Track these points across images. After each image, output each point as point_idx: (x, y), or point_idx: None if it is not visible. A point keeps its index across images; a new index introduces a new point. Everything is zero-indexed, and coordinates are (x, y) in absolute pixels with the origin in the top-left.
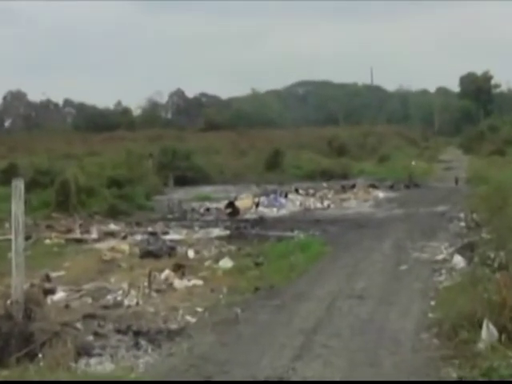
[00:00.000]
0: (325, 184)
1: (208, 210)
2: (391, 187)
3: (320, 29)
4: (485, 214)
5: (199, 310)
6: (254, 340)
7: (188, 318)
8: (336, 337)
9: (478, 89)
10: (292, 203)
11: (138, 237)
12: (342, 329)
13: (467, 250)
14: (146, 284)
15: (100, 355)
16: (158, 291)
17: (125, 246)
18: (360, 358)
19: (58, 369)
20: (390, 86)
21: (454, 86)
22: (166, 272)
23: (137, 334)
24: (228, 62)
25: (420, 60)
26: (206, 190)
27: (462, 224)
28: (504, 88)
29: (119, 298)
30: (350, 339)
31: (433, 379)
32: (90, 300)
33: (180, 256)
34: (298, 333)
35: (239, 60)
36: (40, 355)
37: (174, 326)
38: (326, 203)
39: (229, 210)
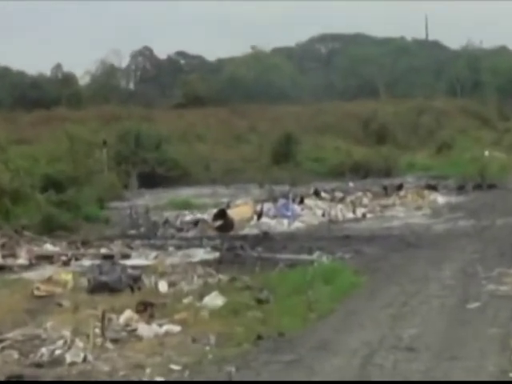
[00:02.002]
0: (358, 184)
1: (188, 222)
2: (456, 189)
3: None
4: None
5: (175, 368)
6: None
7: (159, 379)
8: None
9: None
10: (310, 212)
11: (87, 262)
12: None
13: None
14: (97, 331)
15: None
16: (115, 341)
17: (67, 276)
18: None
19: None
20: (453, 41)
21: None
22: (127, 313)
23: None
24: (217, 8)
25: (495, 3)
26: (186, 193)
27: None
28: None
29: (58, 352)
30: None
31: None
32: (15, 354)
33: (147, 290)
34: None
35: (233, 4)
36: None
37: None
38: (360, 212)
39: (219, 223)
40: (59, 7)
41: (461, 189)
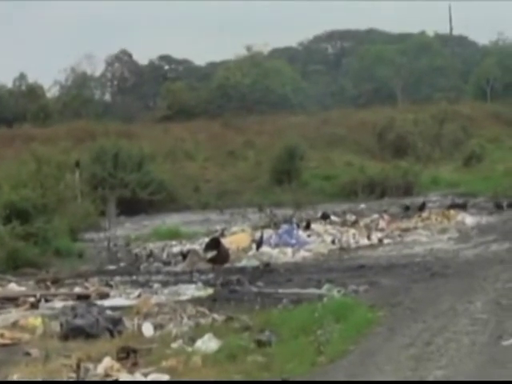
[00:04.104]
0: (373, 205)
1: (176, 254)
2: (491, 207)
3: None
4: None
5: None
6: None
7: None
8: None
9: None
10: (318, 239)
11: (58, 304)
12: None
13: None
14: None
15: None
16: None
17: (35, 321)
18: None
19: None
20: (482, 36)
21: None
22: (106, 362)
23: None
24: (207, 5)
25: None
26: (173, 220)
27: None
28: None
29: None
30: None
31: None
32: None
33: (129, 334)
34: None
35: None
36: None
37: None
38: (375, 237)
39: (211, 254)
40: (20, 6)
41: (495, 207)
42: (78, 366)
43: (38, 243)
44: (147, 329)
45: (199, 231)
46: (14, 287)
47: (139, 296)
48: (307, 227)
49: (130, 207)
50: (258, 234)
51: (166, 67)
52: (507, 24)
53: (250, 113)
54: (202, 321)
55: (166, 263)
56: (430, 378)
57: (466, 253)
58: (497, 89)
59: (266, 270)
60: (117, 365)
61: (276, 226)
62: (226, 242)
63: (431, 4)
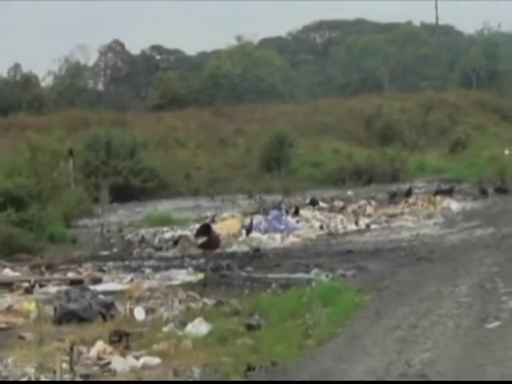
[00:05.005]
0: (360, 191)
1: (167, 240)
2: (472, 193)
3: None
4: None
5: None
6: None
7: None
8: None
9: None
10: (307, 225)
11: (52, 289)
12: None
13: None
14: (65, 366)
15: None
16: (85, 377)
17: (29, 305)
18: None
19: None
20: (468, 25)
21: None
22: (99, 345)
23: None
24: None
25: None
26: (164, 207)
27: None
28: None
29: None
30: None
31: None
32: None
33: (122, 318)
34: None
35: None
36: None
37: None
38: (363, 223)
39: (202, 240)
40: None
41: (480, 193)
42: (72, 349)
43: (32, 229)
44: (139, 313)
45: (190, 217)
46: (8, 272)
47: (131, 281)
48: (296, 213)
49: (123, 194)
50: (247, 220)
51: (158, 57)
52: (492, 13)
53: (240, 101)
54: (193, 305)
55: (158, 249)
56: (416, 361)
57: (452, 238)
58: (482, 77)
59: (256, 255)
60: (109, 348)
61: (265, 212)
62: (216, 227)
63: None
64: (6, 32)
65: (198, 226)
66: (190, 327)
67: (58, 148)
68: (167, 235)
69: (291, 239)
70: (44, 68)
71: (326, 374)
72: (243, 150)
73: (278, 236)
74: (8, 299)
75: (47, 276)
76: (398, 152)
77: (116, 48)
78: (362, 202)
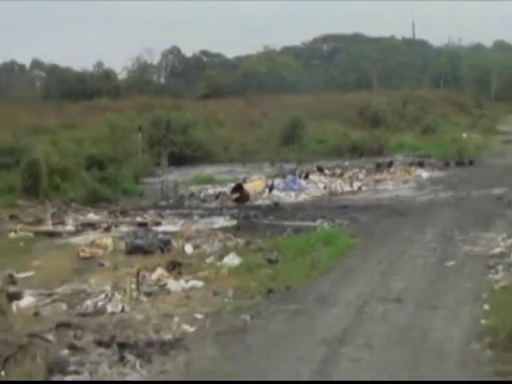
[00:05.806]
0: (354, 162)
1: (210, 195)
2: (438, 165)
3: None
4: None
5: (199, 316)
6: (265, 353)
7: (185, 326)
8: (367, 349)
9: None
10: (314, 186)
11: (124, 229)
12: (375, 339)
13: None
14: (133, 286)
15: (77, 372)
16: (148, 295)
17: (107, 240)
18: (395, 376)
19: None
20: (437, 40)
21: None
22: (159, 271)
23: (122, 346)
24: (234, 13)
25: (473, 7)
26: (208, 170)
27: None
28: None
29: (100, 304)
30: (383, 351)
31: None
32: (64, 306)
33: (175, 252)
34: (320, 344)
35: (248, 10)
36: (3, 373)
37: (167, 337)
38: (356, 185)
39: (236, 195)
40: (98, 9)
41: (444, 165)
42: (138, 274)
43: (110, 185)
44: (188, 248)
45: (227, 178)
46: (92, 216)
47: (183, 224)
48: (306, 177)
49: (178, 160)
50: (270, 182)
51: (205, 59)
52: (455, 31)
53: (265, 93)
54: (228, 243)
55: (203, 201)
56: (393, 288)
57: (422, 198)
58: (448, 80)
59: (276, 207)
60: (166, 273)
61: (283, 176)
62: (247, 186)
63: (400, 16)
64: (91, 37)
65: (233, 184)
66: (226, 259)
67: (130, 125)
68: (210, 191)
69: (302, 196)
70: (120, 65)
71: (326, 295)
72: (267, 130)
73: (292, 194)
74: (91, 236)
75: (121, 219)
76: (383, 133)
77: (174, 51)
78: (356, 170)
